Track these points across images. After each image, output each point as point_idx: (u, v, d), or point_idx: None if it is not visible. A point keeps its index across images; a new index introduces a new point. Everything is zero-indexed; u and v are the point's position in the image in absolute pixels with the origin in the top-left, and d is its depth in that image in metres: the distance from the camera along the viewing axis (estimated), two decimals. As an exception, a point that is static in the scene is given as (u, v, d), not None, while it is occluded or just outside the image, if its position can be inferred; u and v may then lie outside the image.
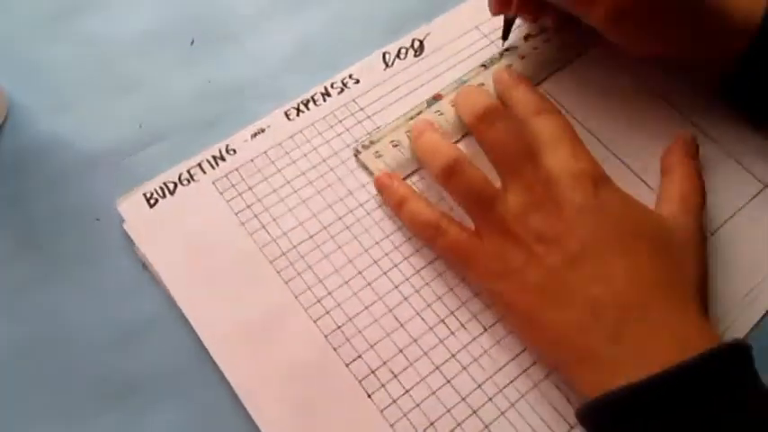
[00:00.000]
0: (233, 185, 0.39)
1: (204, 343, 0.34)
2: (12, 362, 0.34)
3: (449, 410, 0.33)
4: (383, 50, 0.44)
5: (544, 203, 0.34)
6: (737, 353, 0.29)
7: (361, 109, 0.41)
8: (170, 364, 0.34)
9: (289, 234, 0.37)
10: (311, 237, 0.37)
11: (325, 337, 0.34)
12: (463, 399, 0.33)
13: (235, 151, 0.40)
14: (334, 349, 0.34)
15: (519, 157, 0.35)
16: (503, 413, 0.33)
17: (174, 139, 0.41)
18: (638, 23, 0.36)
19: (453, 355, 0.34)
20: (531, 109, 0.37)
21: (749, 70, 0.37)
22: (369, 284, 0.36)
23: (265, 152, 0.40)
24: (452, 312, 0.35)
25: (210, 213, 0.38)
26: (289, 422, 0.32)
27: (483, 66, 0.42)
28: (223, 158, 0.40)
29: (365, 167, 0.39)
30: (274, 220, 0.38)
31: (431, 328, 0.35)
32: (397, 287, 0.36)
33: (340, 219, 0.38)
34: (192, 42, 0.45)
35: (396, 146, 0.39)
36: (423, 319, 0.35)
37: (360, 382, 0.33)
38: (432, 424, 0.32)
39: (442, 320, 0.35)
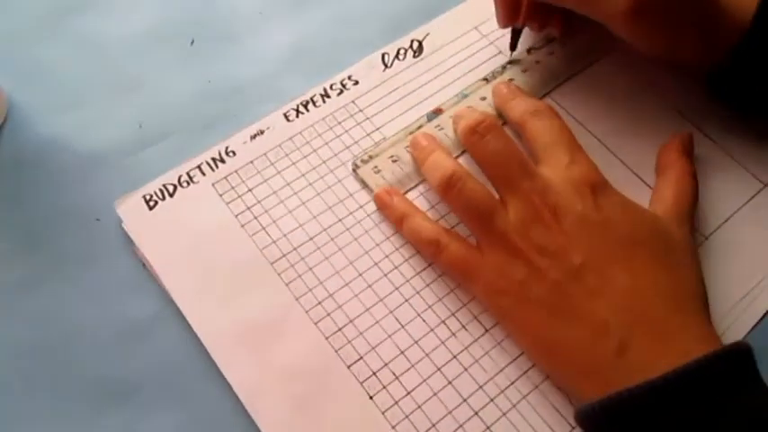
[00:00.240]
0: (233, 187, 0.39)
1: (204, 344, 0.34)
2: (12, 362, 0.34)
3: (450, 412, 0.33)
4: (382, 51, 0.44)
5: (543, 215, 0.33)
6: (738, 355, 0.29)
7: (361, 110, 0.41)
8: (170, 365, 0.34)
9: (289, 236, 0.37)
10: (311, 238, 0.37)
11: (327, 338, 0.34)
12: (465, 400, 0.33)
13: (234, 153, 0.40)
14: (336, 351, 0.34)
15: (514, 169, 0.35)
16: (504, 414, 0.33)
17: (175, 138, 0.41)
18: (654, 20, 0.36)
19: (454, 357, 0.34)
20: (528, 110, 0.37)
21: (739, 64, 0.37)
22: (369, 286, 0.36)
23: (265, 154, 0.40)
24: (453, 314, 0.35)
25: (210, 215, 0.38)
26: (289, 423, 0.32)
27: (485, 79, 0.42)
28: (222, 160, 0.39)
29: (364, 183, 0.39)
30: (274, 221, 0.38)
31: (432, 330, 0.35)
32: (397, 289, 0.36)
33: (340, 220, 0.38)
34: (192, 42, 0.45)
35: (395, 161, 0.39)
36: (424, 320, 0.35)
37: (361, 383, 0.33)
38: (434, 425, 0.32)
39: (443, 322, 0.35)
